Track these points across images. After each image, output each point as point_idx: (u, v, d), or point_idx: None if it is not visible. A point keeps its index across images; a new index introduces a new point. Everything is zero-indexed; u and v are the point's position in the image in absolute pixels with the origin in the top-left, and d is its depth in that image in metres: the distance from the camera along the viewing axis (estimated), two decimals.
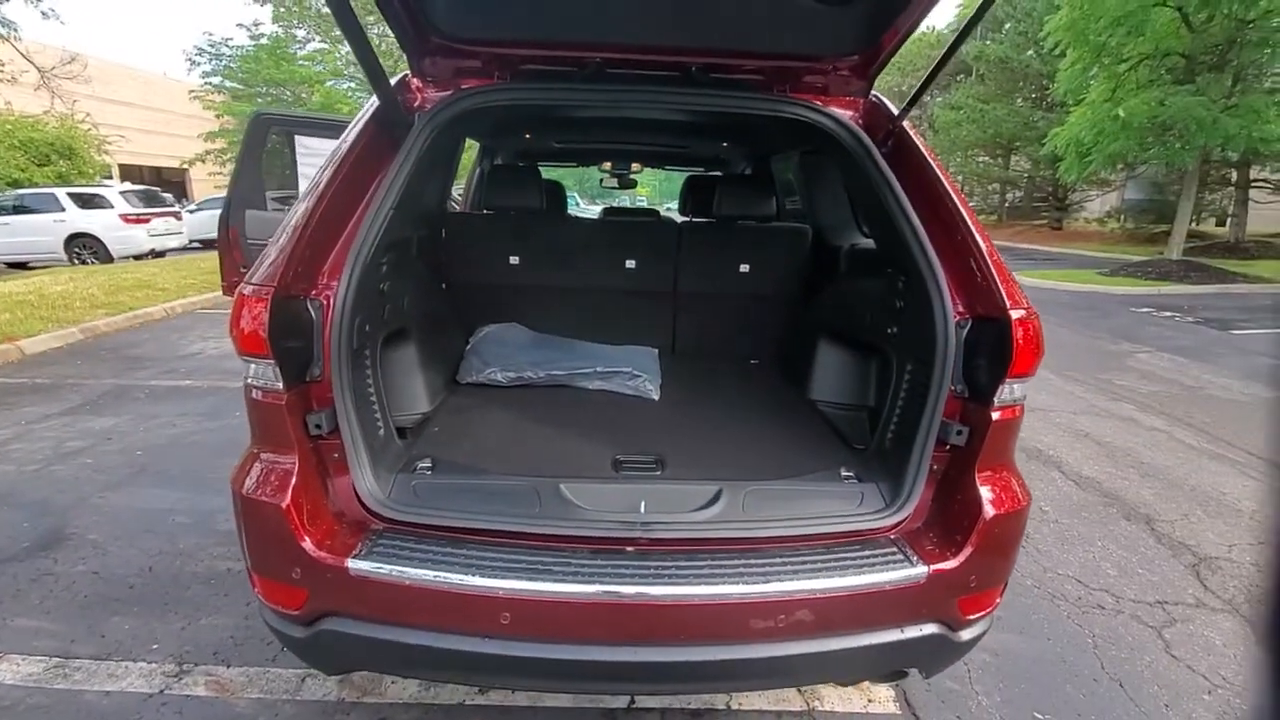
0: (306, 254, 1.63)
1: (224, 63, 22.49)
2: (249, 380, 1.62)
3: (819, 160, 3.04)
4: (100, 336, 7.57)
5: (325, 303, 1.65)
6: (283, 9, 21.47)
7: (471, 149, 4.22)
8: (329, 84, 22.02)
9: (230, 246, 3.24)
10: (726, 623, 1.50)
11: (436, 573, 1.48)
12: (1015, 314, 1.60)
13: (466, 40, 1.96)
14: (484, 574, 1.47)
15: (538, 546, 1.58)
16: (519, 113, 2.35)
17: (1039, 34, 17.22)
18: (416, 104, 2.06)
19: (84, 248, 13.59)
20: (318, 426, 1.63)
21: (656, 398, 2.48)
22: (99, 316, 7.86)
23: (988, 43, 24.76)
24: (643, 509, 1.66)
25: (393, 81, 1.95)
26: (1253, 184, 17.85)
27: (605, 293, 3.10)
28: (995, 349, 1.63)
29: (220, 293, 4.29)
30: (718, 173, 4.50)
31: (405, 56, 2.06)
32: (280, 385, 1.57)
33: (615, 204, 6.85)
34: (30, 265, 13.47)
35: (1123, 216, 24.75)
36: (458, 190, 4.66)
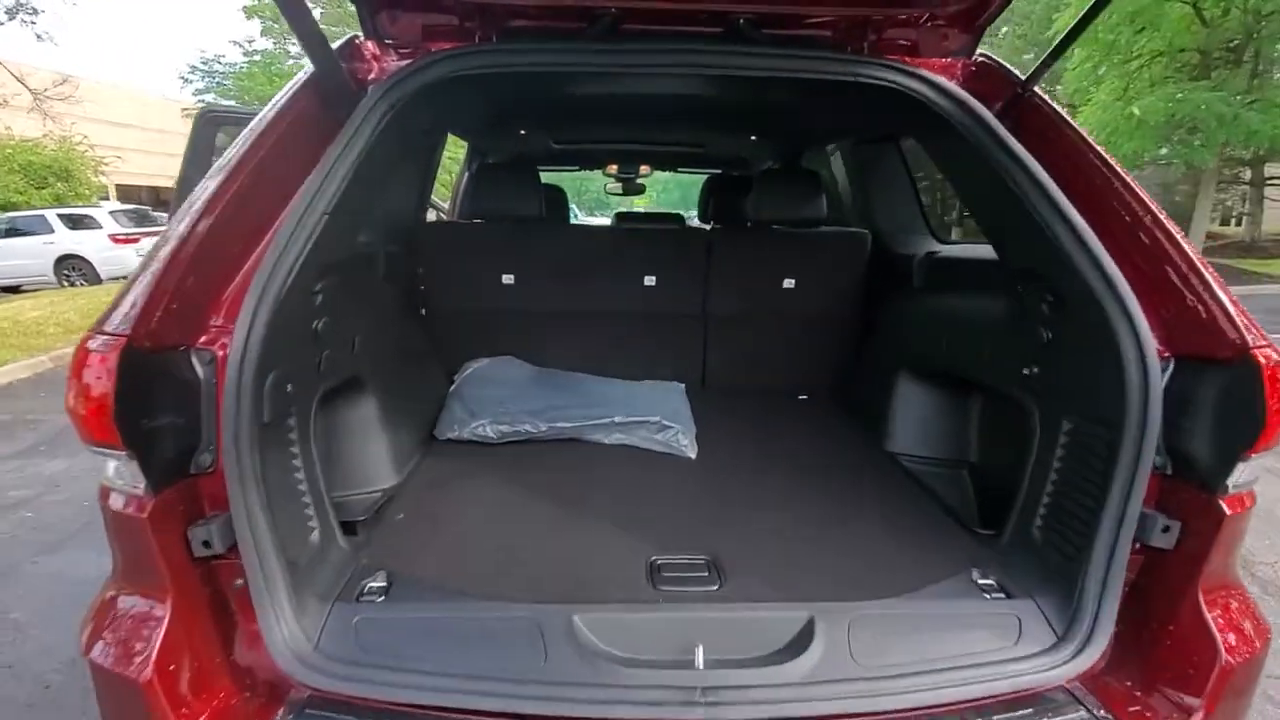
0: (188, 283, 1.08)
1: (217, 80, 22.21)
2: (104, 478, 1.07)
3: (878, 151, 2.49)
4: (64, 366, 7.04)
5: (221, 355, 1.11)
6: (274, 24, 21.20)
7: (458, 149, 3.69)
8: None
9: None
10: None
11: None
12: (1263, 354, 1.05)
13: None
14: None
15: None
16: (507, 88, 1.81)
17: (1040, 35, 16.81)
18: (371, 75, 1.52)
19: (73, 269, 13.24)
20: (206, 544, 1.08)
21: (693, 455, 1.92)
22: (72, 343, 7.33)
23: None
24: (699, 658, 1.10)
25: (336, 45, 1.41)
26: (1268, 181, 17.36)
27: (619, 317, 2.54)
28: (1227, 405, 1.08)
29: None
30: (739, 173, 3.96)
31: (356, 12, 1.53)
32: (141, 488, 1.02)
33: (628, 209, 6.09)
34: (22, 289, 13.16)
35: None
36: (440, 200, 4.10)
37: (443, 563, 1.34)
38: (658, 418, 1.96)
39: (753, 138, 3.09)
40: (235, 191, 1.16)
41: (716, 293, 2.52)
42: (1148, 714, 1.09)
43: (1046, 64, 1.44)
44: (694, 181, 5.93)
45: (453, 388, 2.23)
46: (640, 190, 4.56)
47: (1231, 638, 1.08)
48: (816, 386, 2.58)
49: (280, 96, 1.33)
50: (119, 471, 1.04)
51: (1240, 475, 1.09)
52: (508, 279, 2.44)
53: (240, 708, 1.06)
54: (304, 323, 1.30)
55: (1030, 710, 1.11)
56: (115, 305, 1.05)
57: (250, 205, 1.20)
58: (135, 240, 13.84)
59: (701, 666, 1.08)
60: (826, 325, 2.56)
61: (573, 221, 4.54)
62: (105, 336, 1.00)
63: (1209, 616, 1.10)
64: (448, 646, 1.13)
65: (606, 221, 5.35)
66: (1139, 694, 1.12)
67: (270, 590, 1.09)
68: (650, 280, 2.49)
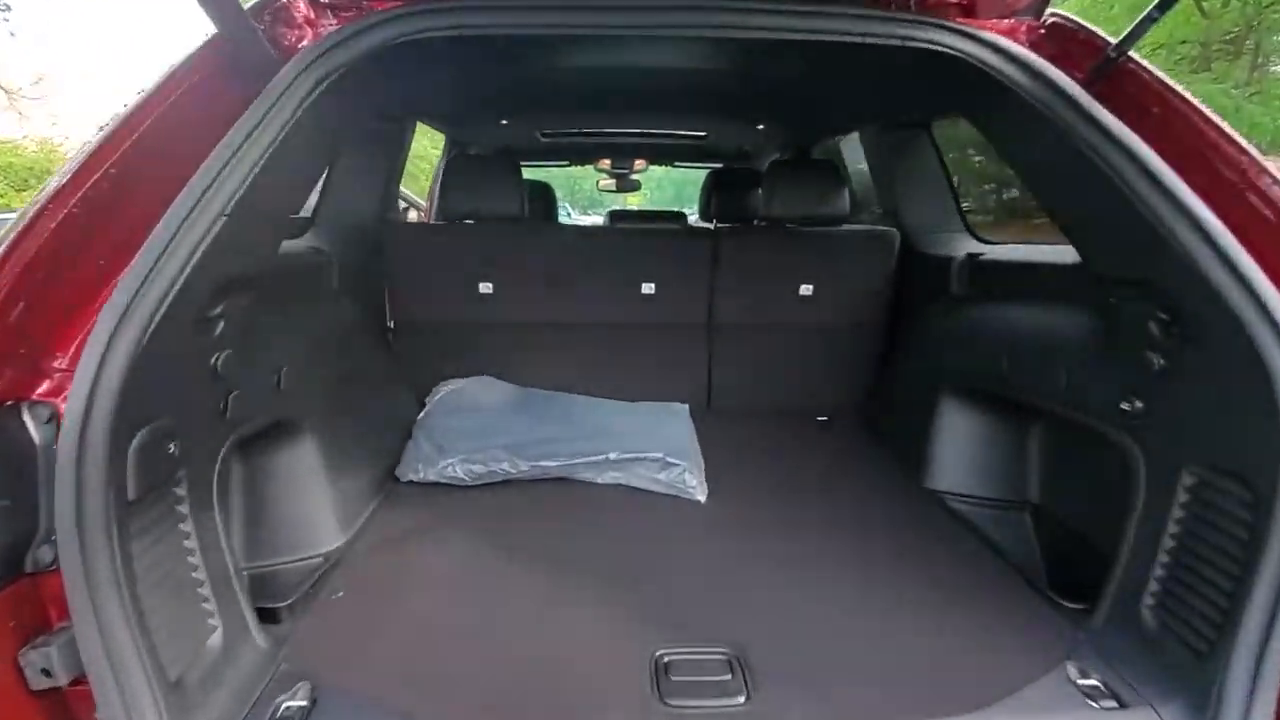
0: (15, 311, 0.78)
1: None
2: None
3: (907, 137, 2.19)
4: None
5: (60, 406, 0.80)
6: None
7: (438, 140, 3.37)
8: None
9: None
10: None
11: None
12: None
13: None
14: None
15: None
16: (475, 61, 1.51)
17: None
18: (302, 41, 1.21)
19: None
20: (46, 673, 0.78)
21: (702, 498, 1.62)
22: None
23: None
24: None
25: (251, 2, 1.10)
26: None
27: (613, 329, 2.23)
28: None
29: None
30: (745, 167, 3.65)
31: None
32: None
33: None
34: None
35: None
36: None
37: (386, 669, 1.04)
38: (660, 454, 1.65)
39: (761, 126, 2.79)
40: (97, 186, 0.85)
41: (723, 301, 2.22)
42: None
43: (1146, 24, 1.15)
44: (691, 178, 5.60)
45: (420, 416, 1.92)
46: (636, 187, 4.24)
47: None
48: (837, 407, 2.28)
49: (173, 65, 1.02)
50: None
51: None
52: (485, 288, 2.13)
53: None
54: (195, 358, 0.99)
55: None
56: None
57: (122, 205, 0.89)
58: None
59: None
60: (849, 337, 2.26)
61: (565, 221, 4.22)
62: None
63: None
64: None
65: (601, 220, 4.98)
66: None
67: None
68: (649, 288, 2.18)
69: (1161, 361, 1.09)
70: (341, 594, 1.22)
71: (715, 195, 2.82)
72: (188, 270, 0.87)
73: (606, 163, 3.95)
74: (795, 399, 2.29)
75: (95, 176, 0.86)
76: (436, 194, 3.12)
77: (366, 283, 2.04)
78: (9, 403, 0.79)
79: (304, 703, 0.95)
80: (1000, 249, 1.90)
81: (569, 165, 4.07)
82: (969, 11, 1.30)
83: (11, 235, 0.79)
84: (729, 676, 1.03)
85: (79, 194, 0.84)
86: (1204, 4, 13.26)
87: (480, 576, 1.29)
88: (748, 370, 2.28)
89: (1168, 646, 1.01)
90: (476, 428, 1.76)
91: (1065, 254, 1.60)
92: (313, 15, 1.25)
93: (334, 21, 1.24)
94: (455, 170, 2.09)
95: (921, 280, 2.10)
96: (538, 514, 1.54)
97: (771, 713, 0.96)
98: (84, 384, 0.77)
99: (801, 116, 2.53)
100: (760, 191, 3.10)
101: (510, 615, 1.18)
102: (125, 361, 0.80)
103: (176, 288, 0.86)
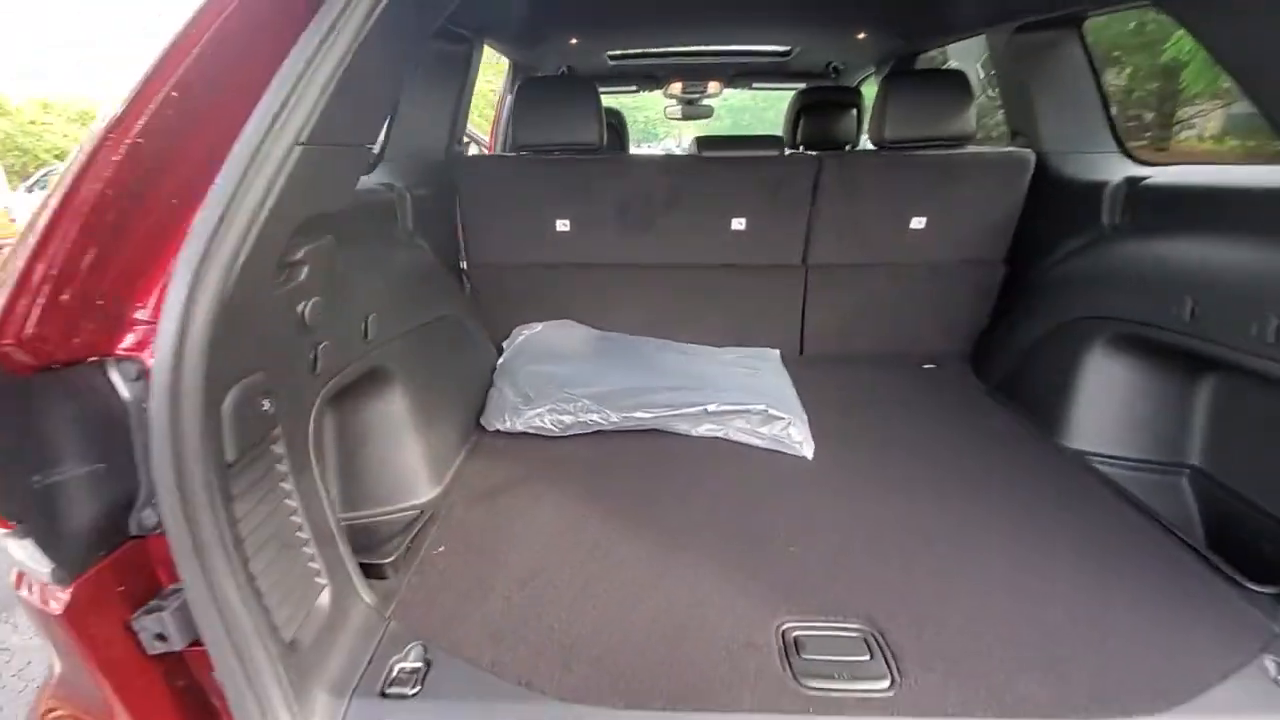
0: (86, 260, 0.69)
1: None
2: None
3: (1052, 39, 1.85)
4: None
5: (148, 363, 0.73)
6: None
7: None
8: None
9: None
10: None
11: None
12: None
13: None
14: None
15: None
16: None
17: None
18: None
19: None
20: (161, 638, 0.74)
21: (809, 454, 1.48)
22: None
23: None
24: None
25: None
26: None
27: (699, 270, 2.06)
28: None
29: None
30: (836, 86, 3.29)
31: None
32: (48, 574, 0.67)
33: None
34: None
35: None
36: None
37: (497, 631, 0.97)
38: (763, 406, 1.51)
39: (862, 34, 2.46)
40: (160, 112, 0.74)
41: (824, 237, 2.00)
42: None
43: None
44: (758, 104, 5.15)
45: (500, 360, 1.84)
46: (709, 113, 3.93)
47: None
48: (945, 353, 2.07)
49: None
50: (15, 550, 0.70)
51: None
52: (562, 225, 1.98)
53: None
54: (282, 307, 0.90)
55: None
56: None
57: (185, 136, 0.78)
58: None
59: None
60: (963, 275, 2.01)
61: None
62: None
63: None
64: None
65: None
66: None
67: (256, 694, 0.75)
68: (739, 224, 1.98)
69: None
70: (443, 548, 1.16)
71: (805, 119, 2.54)
72: (266, 209, 0.76)
73: (677, 87, 3.65)
74: (897, 344, 2.08)
75: (158, 102, 0.74)
76: (506, 123, 2.96)
77: (438, 221, 1.93)
78: (92, 360, 0.72)
79: (418, 664, 0.90)
80: (1172, 171, 1.59)
81: (637, 91, 3.79)
82: None
83: (71, 173, 0.69)
84: (868, 657, 0.92)
85: (140, 122, 0.73)
86: None
87: (581, 533, 1.21)
88: (846, 313, 2.08)
89: None
90: (563, 376, 1.66)
91: (1264, 176, 1.31)
92: None
93: None
94: (529, 94, 1.91)
95: (1061, 210, 1.81)
96: (632, 468, 1.44)
97: (923, 702, 0.85)
98: (168, 342, 0.68)
99: (917, 17, 2.19)
100: (855, 114, 2.78)
101: (619, 576, 1.09)
102: (209, 314, 0.71)
103: (256, 229, 0.75)
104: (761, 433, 1.50)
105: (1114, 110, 1.85)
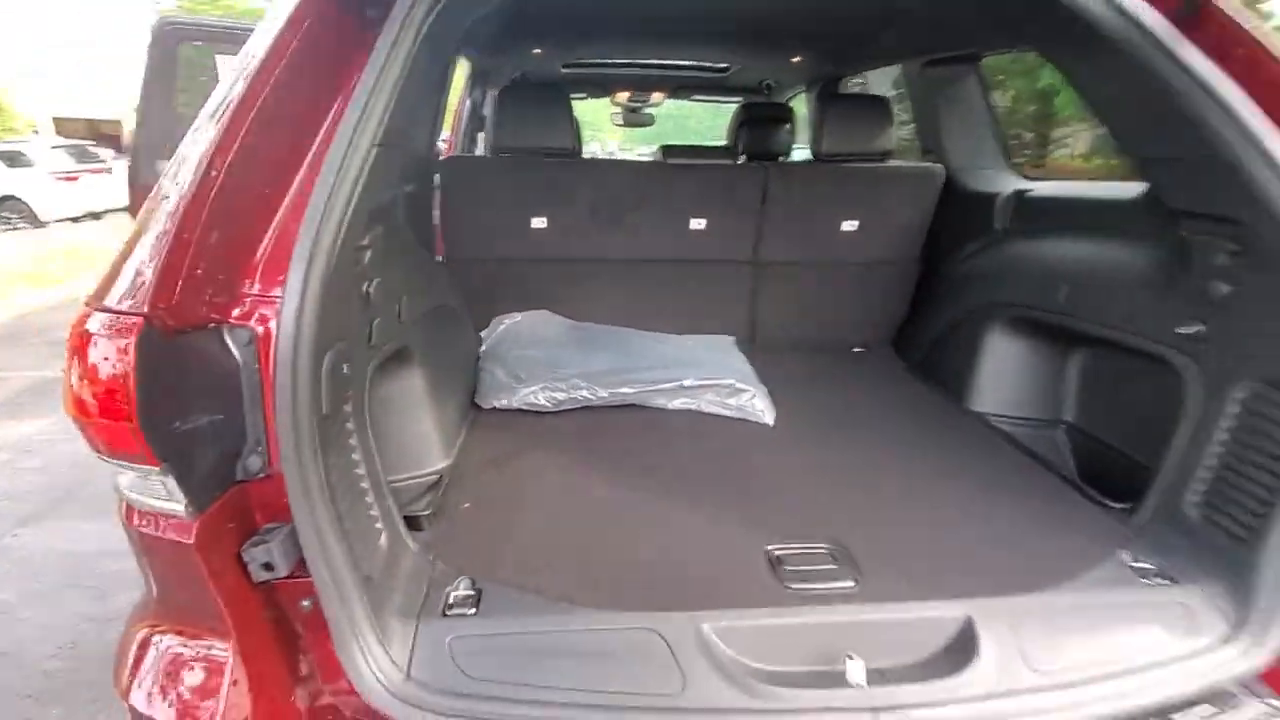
0: (212, 241, 0.82)
1: None
2: (124, 493, 0.84)
3: (954, 73, 2.21)
4: (22, 316, 6.52)
5: (263, 331, 0.86)
6: None
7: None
8: None
9: None
10: None
11: None
12: None
13: None
14: None
15: None
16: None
17: None
18: None
19: (12, 212, 12.16)
20: (268, 567, 0.87)
21: (770, 421, 1.73)
22: (35, 290, 6.83)
23: None
24: (859, 673, 0.94)
25: None
26: None
27: (663, 264, 2.29)
28: None
29: None
30: (770, 101, 3.61)
31: None
32: (182, 508, 0.79)
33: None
34: None
35: None
36: None
37: (530, 563, 1.15)
38: (731, 380, 1.75)
39: (796, 58, 2.77)
40: (255, 120, 0.88)
41: (771, 236, 2.27)
42: None
43: None
44: (682, 113, 5.49)
45: (485, 348, 1.99)
46: (650, 121, 4.19)
47: None
48: (873, 339, 2.39)
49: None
50: (148, 488, 0.81)
51: None
52: (539, 223, 2.15)
53: None
54: (355, 285, 1.04)
55: (1212, 709, 0.99)
56: (115, 273, 0.79)
57: (272, 136, 0.91)
58: (76, 179, 12.82)
59: (865, 683, 0.93)
60: (886, 272, 2.34)
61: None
62: (110, 314, 0.74)
63: None
64: (565, 667, 0.95)
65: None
66: None
67: (349, 615, 0.89)
68: (699, 224, 2.22)
69: (1225, 288, 1.19)
70: (468, 505, 1.32)
71: (746, 130, 2.83)
72: (354, 201, 0.91)
73: (624, 95, 3.88)
74: (833, 332, 2.39)
75: (253, 110, 0.88)
76: (467, 124, 3.08)
77: (420, 216, 2.06)
78: (211, 325, 0.85)
79: (470, 592, 1.06)
80: (1047, 186, 1.97)
81: (586, 98, 3.99)
82: None
83: (199, 169, 0.82)
84: (835, 566, 1.16)
85: (242, 127, 0.86)
86: None
87: (585, 488, 1.40)
88: (791, 304, 2.37)
89: (1210, 535, 1.16)
90: (550, 359, 1.84)
91: (1117, 190, 1.68)
92: None
93: None
94: (509, 102, 2.07)
95: (963, 216, 2.17)
96: (620, 435, 1.65)
97: (879, 591, 1.10)
98: (292, 311, 0.82)
99: (845, 49, 2.52)
100: (789, 128, 3.09)
101: (625, 518, 1.29)
102: (317, 291, 0.85)
103: (347, 220, 0.90)
104: (729, 404, 1.74)
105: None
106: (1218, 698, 1.01)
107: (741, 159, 2.48)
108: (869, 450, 1.60)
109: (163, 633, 0.89)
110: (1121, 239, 1.50)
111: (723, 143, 2.85)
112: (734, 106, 3.26)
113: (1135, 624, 1.07)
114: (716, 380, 1.75)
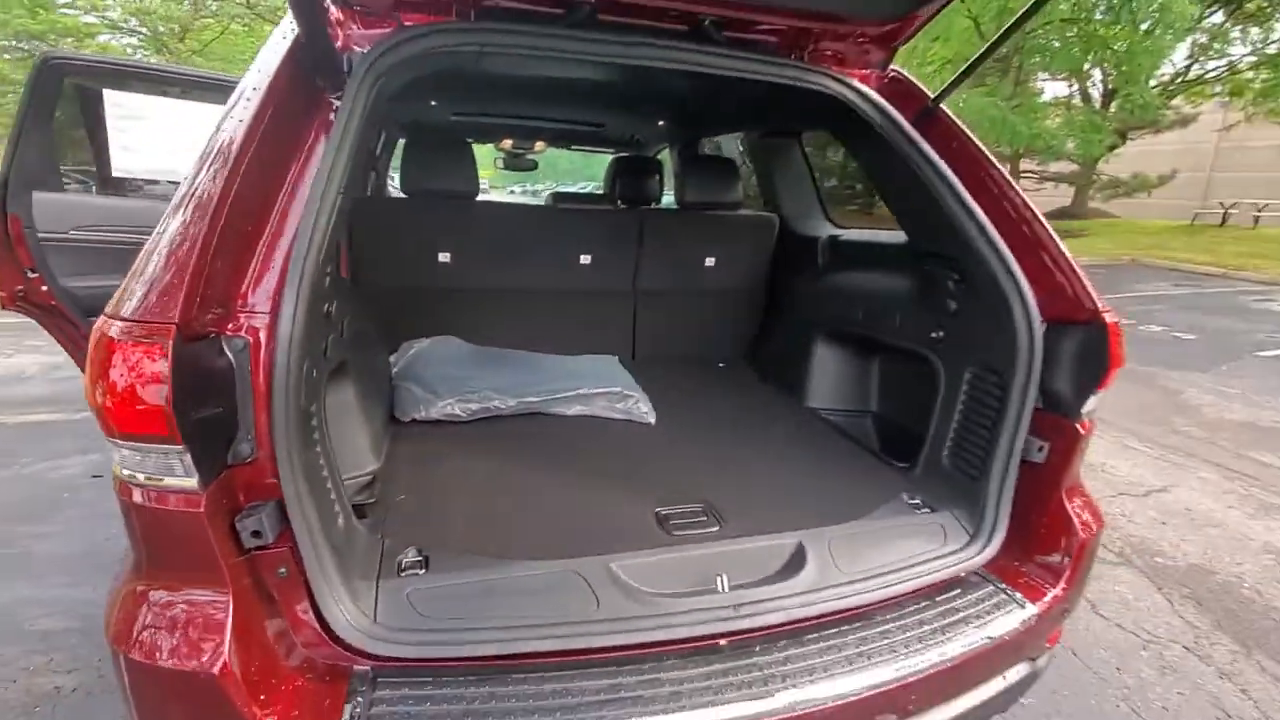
0: (216, 267, 1.03)
1: None
2: (126, 474, 1.01)
3: (783, 144, 2.79)
4: None
5: (252, 340, 1.07)
6: None
7: None
8: (103, 39, 18.05)
9: (12, 242, 2.24)
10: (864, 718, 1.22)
11: None
12: (1107, 316, 1.46)
13: None
14: None
15: (609, 661, 1.17)
16: (469, 65, 1.80)
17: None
18: (337, 42, 1.46)
19: None
20: (256, 534, 1.06)
21: (653, 421, 2.10)
22: None
23: None
24: (724, 584, 1.30)
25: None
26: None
27: (556, 294, 2.62)
28: (1085, 356, 1.48)
29: None
30: (639, 154, 4.10)
31: None
32: (195, 481, 0.98)
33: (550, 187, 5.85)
34: None
35: None
36: None
37: (467, 532, 1.40)
38: (619, 388, 2.10)
39: (662, 122, 3.27)
40: (245, 170, 1.11)
41: (646, 270, 2.69)
42: (1034, 582, 1.49)
43: (954, 84, 1.78)
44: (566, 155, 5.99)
45: (398, 369, 2.18)
46: (533, 166, 4.54)
47: (1084, 521, 1.51)
48: (731, 355, 2.87)
49: (267, 62, 1.26)
50: (158, 465, 0.98)
51: (1089, 405, 1.51)
52: (444, 257, 2.40)
53: (308, 690, 1.07)
54: (320, 305, 1.27)
55: (957, 591, 1.47)
56: (127, 293, 0.98)
57: (255, 184, 1.14)
58: None
59: (728, 590, 1.29)
60: (740, 300, 2.85)
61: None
62: (137, 322, 0.94)
63: (1069, 509, 1.52)
64: (505, 604, 1.22)
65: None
66: (1025, 569, 1.53)
67: (325, 574, 1.10)
68: (586, 259, 2.59)
69: (954, 305, 1.75)
70: (403, 497, 1.53)
71: (621, 179, 3.27)
72: (326, 235, 1.16)
73: (508, 143, 4.21)
74: (699, 349, 2.84)
75: (247, 159, 1.11)
76: (403, 169, 3.25)
77: (337, 252, 2.23)
78: (213, 335, 1.05)
79: (418, 556, 1.29)
80: (850, 233, 2.57)
81: (471, 143, 4.26)
82: (840, 63, 1.87)
83: (209, 209, 1.03)
84: (705, 518, 1.53)
85: (242, 169, 1.09)
86: (981, 28, 15.94)
87: (506, 478, 1.67)
88: (663, 327, 2.79)
89: (956, 477, 1.68)
90: (462, 376, 2.08)
91: (889, 236, 2.28)
92: (345, 19, 1.51)
93: (359, 26, 1.51)
94: (418, 149, 2.32)
95: (794, 255, 2.72)
96: (527, 437, 1.93)
97: (737, 531, 1.48)
98: (286, 323, 1.05)
99: (702, 120, 3.05)
100: (659, 178, 3.60)
101: (542, 497, 1.58)
102: (304, 309, 1.08)
103: (322, 251, 1.15)
104: (618, 407, 2.08)
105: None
106: (961, 582, 1.49)
107: (620, 204, 2.89)
108: (729, 439, 2.02)
109: (159, 589, 1.04)
110: (895, 272, 2.06)
111: (595, 188, 3.25)
112: (604, 155, 3.72)
113: (909, 538, 1.53)
114: (607, 389, 2.09)
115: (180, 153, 2.67)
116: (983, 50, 1.75)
